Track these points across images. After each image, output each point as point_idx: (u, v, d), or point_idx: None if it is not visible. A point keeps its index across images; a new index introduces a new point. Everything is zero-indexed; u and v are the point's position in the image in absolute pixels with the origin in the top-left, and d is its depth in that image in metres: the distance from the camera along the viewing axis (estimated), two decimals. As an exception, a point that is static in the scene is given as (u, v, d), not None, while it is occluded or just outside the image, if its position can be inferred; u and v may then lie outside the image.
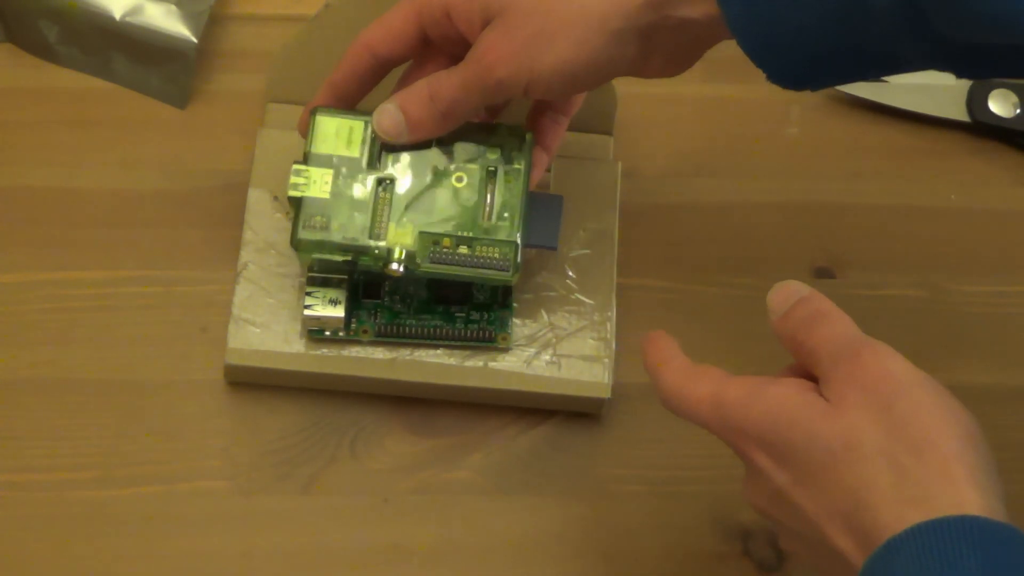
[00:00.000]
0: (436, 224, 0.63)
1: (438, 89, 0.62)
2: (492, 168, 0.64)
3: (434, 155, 0.64)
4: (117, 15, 0.72)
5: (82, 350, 0.68)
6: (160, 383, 0.68)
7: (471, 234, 0.63)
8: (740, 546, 0.66)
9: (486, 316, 0.67)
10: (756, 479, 0.54)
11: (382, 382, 0.67)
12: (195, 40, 0.72)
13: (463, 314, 0.67)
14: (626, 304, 0.69)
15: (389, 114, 0.63)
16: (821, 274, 0.73)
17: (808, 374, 0.54)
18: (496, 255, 0.63)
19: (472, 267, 0.63)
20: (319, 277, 0.66)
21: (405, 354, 0.67)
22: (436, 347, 0.67)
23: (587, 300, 0.68)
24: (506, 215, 0.64)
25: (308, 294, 0.66)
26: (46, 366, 0.68)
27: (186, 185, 0.72)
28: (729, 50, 0.59)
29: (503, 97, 0.62)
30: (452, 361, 0.67)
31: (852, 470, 0.50)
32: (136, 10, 0.73)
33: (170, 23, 0.73)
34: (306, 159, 0.64)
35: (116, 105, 0.74)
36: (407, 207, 0.63)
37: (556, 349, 0.67)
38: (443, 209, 0.64)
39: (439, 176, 0.64)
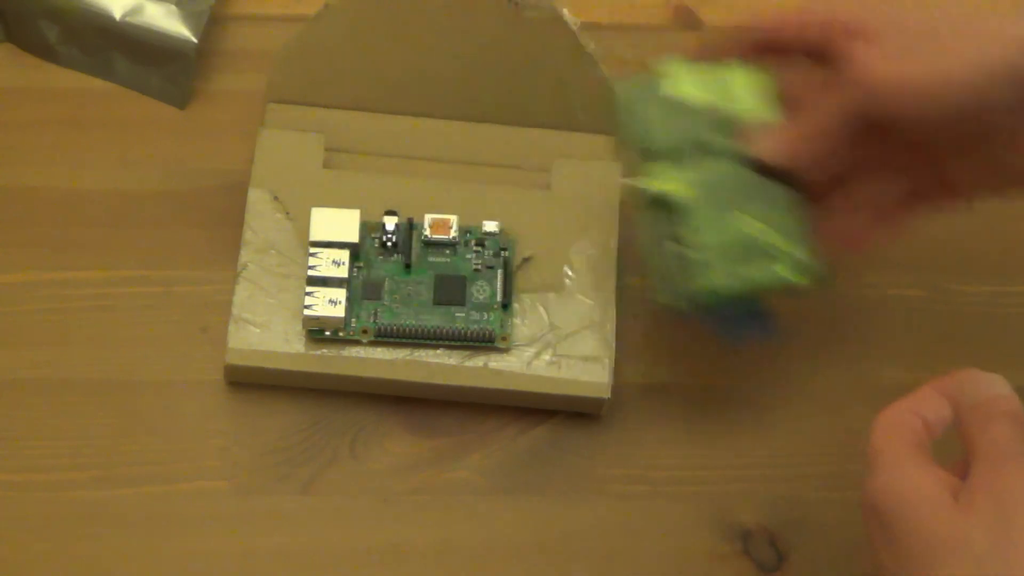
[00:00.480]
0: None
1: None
2: None
3: None
4: (117, 15, 0.72)
5: (82, 350, 0.68)
6: (160, 383, 0.68)
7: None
8: (740, 546, 0.66)
9: (486, 316, 0.67)
10: (870, 549, 0.54)
11: (382, 382, 0.67)
12: (195, 40, 0.72)
13: (463, 314, 0.67)
14: (626, 304, 0.69)
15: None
16: (821, 274, 0.73)
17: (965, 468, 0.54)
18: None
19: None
20: (319, 277, 0.66)
21: (405, 354, 0.67)
22: (436, 347, 0.67)
23: (587, 300, 0.68)
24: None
25: (308, 294, 0.66)
26: (46, 366, 0.68)
27: (186, 185, 0.72)
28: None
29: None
30: (452, 361, 0.67)
31: (945, 569, 0.50)
32: (136, 10, 0.73)
33: (170, 23, 0.73)
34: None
35: (116, 105, 0.74)
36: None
37: (556, 349, 0.67)
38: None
39: None
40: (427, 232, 0.68)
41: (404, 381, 0.67)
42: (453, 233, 0.68)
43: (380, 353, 0.67)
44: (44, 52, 0.74)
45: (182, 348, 0.68)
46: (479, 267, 0.68)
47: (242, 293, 0.67)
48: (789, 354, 0.70)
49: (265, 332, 0.67)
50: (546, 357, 0.67)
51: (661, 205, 0.62)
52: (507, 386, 0.67)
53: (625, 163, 0.71)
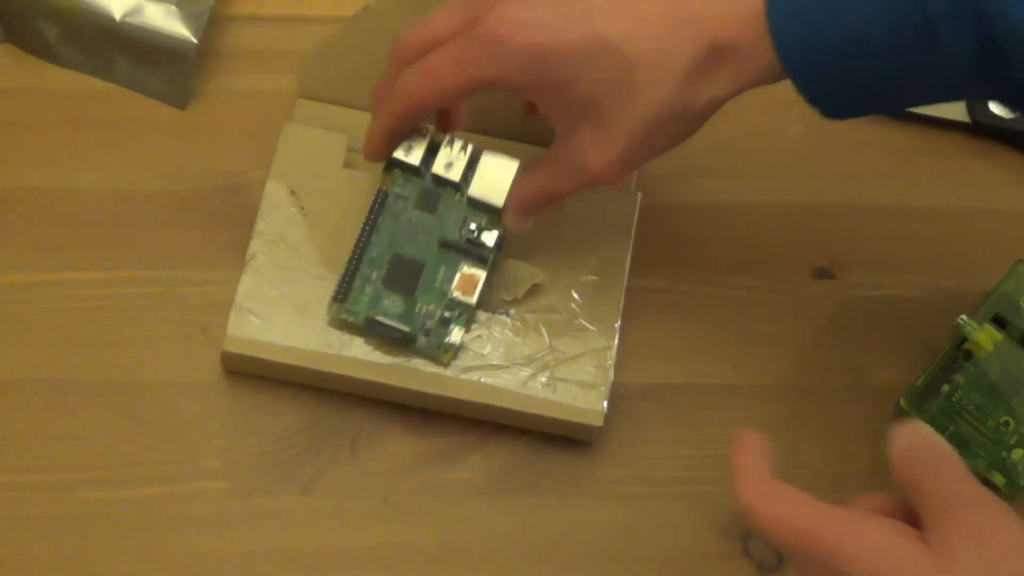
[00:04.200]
0: None
1: (552, 193, 0.65)
2: None
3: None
4: (117, 15, 0.72)
5: (82, 350, 0.68)
6: (160, 383, 0.68)
7: None
8: (740, 546, 0.66)
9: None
10: None
11: (376, 385, 0.67)
12: (195, 40, 0.72)
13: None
14: (626, 304, 0.69)
15: (519, 221, 0.67)
16: (821, 274, 0.73)
17: (908, 513, 0.53)
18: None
19: None
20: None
21: (402, 360, 0.67)
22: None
23: (590, 327, 0.68)
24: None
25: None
26: (46, 366, 0.68)
27: (186, 185, 0.72)
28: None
29: None
30: (448, 372, 0.66)
31: None
32: (136, 10, 0.73)
33: (170, 23, 0.73)
34: None
35: (116, 105, 0.74)
36: None
37: (554, 372, 0.67)
38: None
39: None
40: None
41: (397, 387, 0.66)
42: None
43: (378, 356, 0.66)
44: (44, 52, 0.74)
45: (182, 348, 0.68)
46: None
47: (247, 282, 0.67)
48: (789, 354, 0.71)
49: (265, 323, 0.67)
50: (542, 379, 0.67)
51: None
52: (500, 403, 0.66)
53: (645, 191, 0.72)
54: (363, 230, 0.67)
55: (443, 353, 0.66)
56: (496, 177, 0.67)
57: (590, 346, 0.68)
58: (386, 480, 0.67)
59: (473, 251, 0.67)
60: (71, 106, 0.74)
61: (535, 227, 0.68)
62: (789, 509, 0.53)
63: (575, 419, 0.66)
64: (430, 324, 0.66)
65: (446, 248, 0.67)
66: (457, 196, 0.67)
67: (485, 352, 0.67)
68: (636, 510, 0.67)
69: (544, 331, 0.68)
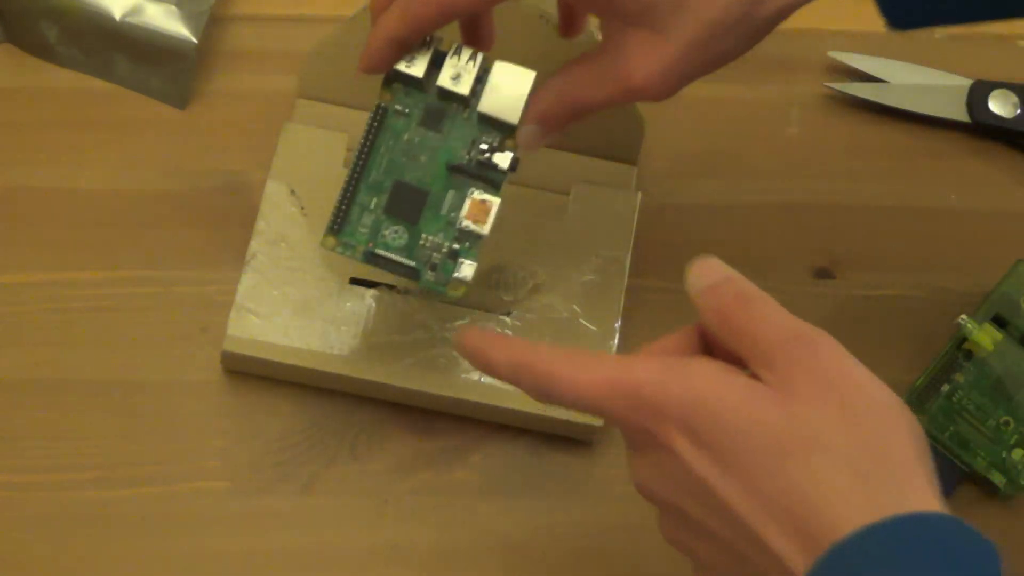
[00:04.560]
0: None
1: (580, 103, 0.58)
2: None
3: None
4: (117, 15, 0.72)
5: (82, 350, 0.68)
6: (160, 383, 0.68)
7: None
8: (740, 546, 0.66)
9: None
10: (664, 464, 0.49)
11: (376, 385, 0.67)
12: (195, 40, 0.72)
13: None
14: (626, 304, 0.69)
15: (536, 136, 0.60)
16: (821, 274, 0.73)
17: (724, 354, 0.51)
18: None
19: None
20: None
21: (401, 359, 0.66)
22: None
23: (591, 327, 0.68)
24: None
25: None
26: (46, 366, 0.68)
27: (186, 185, 0.72)
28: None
29: None
30: (448, 373, 0.66)
31: (802, 465, 0.46)
32: (136, 10, 0.73)
33: (170, 23, 0.73)
34: None
35: (116, 105, 0.74)
36: None
37: None
38: None
39: None
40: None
41: (397, 387, 0.66)
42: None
43: (377, 356, 0.66)
44: (44, 52, 0.74)
45: (182, 348, 0.68)
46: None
47: (247, 282, 0.67)
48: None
49: (265, 323, 0.67)
50: None
51: None
52: (500, 403, 0.66)
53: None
54: (360, 152, 0.61)
55: (452, 289, 0.61)
56: (510, 90, 0.60)
57: (590, 346, 0.68)
58: (386, 480, 0.67)
59: (484, 175, 0.61)
60: (71, 106, 0.74)
61: (535, 227, 0.68)
62: (591, 365, 0.51)
63: (575, 419, 0.66)
64: (437, 257, 0.61)
65: (454, 172, 0.61)
66: (466, 113, 0.61)
67: (485, 352, 0.67)
68: (636, 510, 0.67)
69: (545, 331, 0.68)
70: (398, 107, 0.61)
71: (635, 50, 0.56)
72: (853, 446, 0.47)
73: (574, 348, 0.53)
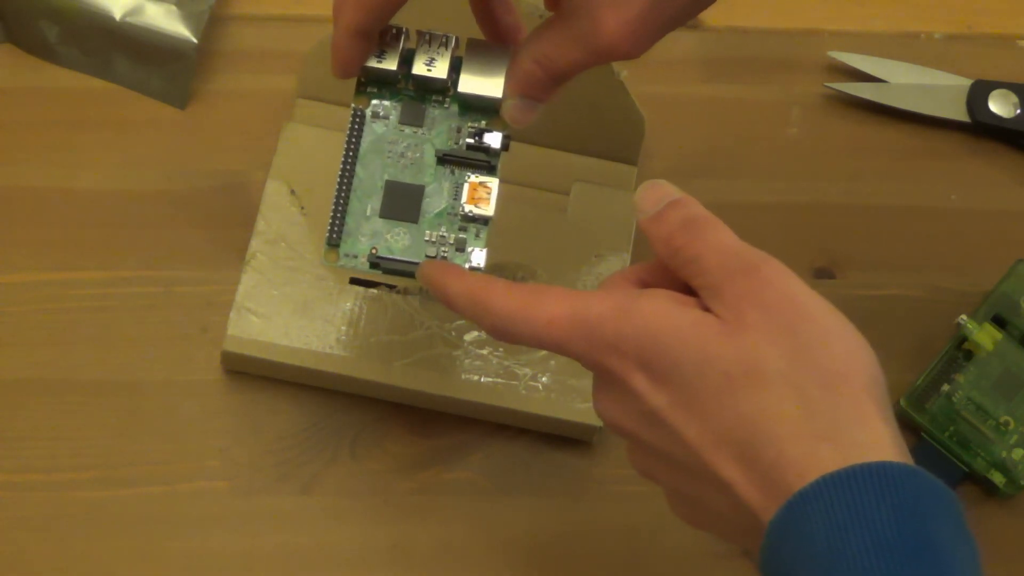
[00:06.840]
0: None
1: (556, 65, 0.56)
2: None
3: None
4: (117, 15, 0.72)
5: (82, 350, 0.68)
6: (160, 383, 0.68)
7: None
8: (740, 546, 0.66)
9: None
10: (623, 398, 0.50)
11: (376, 385, 0.67)
12: (195, 40, 0.72)
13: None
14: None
15: (521, 109, 0.57)
16: (821, 274, 0.73)
17: (680, 283, 0.51)
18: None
19: None
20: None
21: (400, 360, 0.66)
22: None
23: None
24: None
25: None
26: (46, 366, 0.68)
27: (186, 185, 0.72)
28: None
29: None
30: (448, 373, 0.66)
31: (751, 397, 0.47)
32: (136, 10, 0.73)
33: (170, 23, 0.73)
34: None
35: (116, 105, 0.74)
36: None
37: (554, 372, 0.67)
38: None
39: None
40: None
41: (397, 387, 0.66)
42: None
43: (376, 356, 0.66)
44: (44, 52, 0.74)
45: (182, 348, 0.68)
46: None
47: (248, 282, 0.67)
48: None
49: (266, 323, 0.67)
50: (543, 378, 0.67)
51: None
52: (500, 403, 0.66)
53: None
54: (344, 161, 0.60)
55: None
56: (487, 66, 0.58)
57: None
58: (386, 480, 0.67)
59: (478, 159, 0.59)
60: (71, 106, 0.74)
61: (535, 227, 0.68)
62: (547, 301, 0.51)
63: (575, 419, 0.66)
64: (445, 250, 0.59)
65: (445, 162, 0.60)
66: (446, 103, 0.60)
67: (485, 352, 0.67)
68: (636, 510, 0.67)
69: None
70: (375, 109, 0.60)
71: (602, 9, 0.54)
72: (801, 378, 0.47)
73: (530, 284, 0.53)
